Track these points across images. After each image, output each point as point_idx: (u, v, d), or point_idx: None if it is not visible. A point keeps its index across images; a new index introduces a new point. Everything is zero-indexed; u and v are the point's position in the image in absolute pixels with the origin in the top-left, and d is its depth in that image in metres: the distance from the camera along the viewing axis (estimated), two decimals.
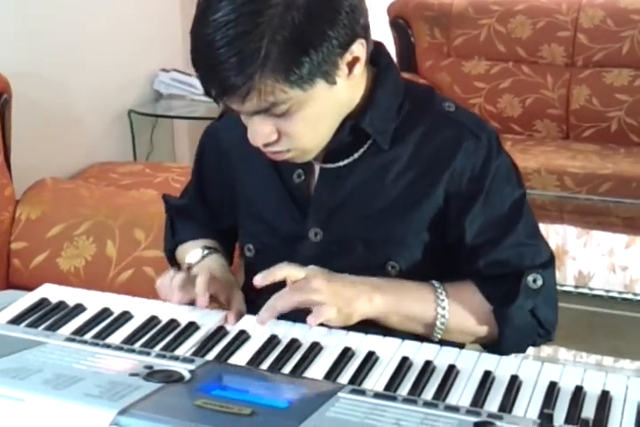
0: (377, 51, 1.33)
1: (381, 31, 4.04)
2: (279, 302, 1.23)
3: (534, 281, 1.32)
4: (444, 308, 1.31)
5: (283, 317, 1.26)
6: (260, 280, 1.24)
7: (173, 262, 1.55)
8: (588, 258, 3.64)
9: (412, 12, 4.08)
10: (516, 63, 3.95)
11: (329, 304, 1.22)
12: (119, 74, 3.38)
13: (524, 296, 1.31)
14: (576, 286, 3.39)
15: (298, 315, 1.24)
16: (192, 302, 1.31)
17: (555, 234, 3.80)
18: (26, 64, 2.85)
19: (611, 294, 3.36)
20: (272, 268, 1.26)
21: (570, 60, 3.90)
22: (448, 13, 4.03)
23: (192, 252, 1.47)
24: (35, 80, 2.90)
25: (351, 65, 1.23)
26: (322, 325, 1.25)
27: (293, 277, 1.25)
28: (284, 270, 1.25)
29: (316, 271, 1.27)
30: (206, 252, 1.46)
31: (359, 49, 1.22)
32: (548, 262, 1.35)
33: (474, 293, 1.34)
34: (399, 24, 4.09)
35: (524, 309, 1.32)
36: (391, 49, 4.07)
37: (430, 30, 4.06)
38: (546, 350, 3.08)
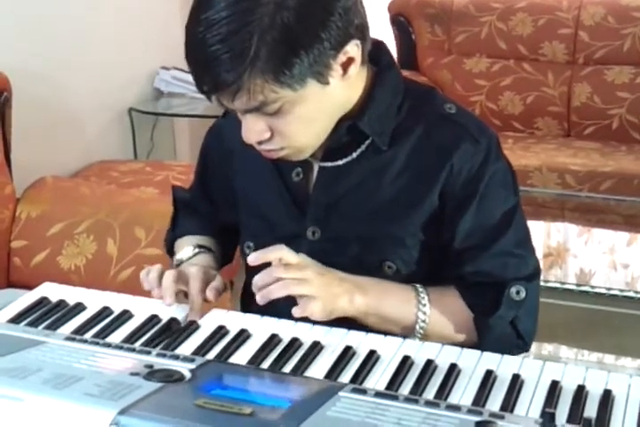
0: (377, 50, 1.32)
1: (382, 29, 4.03)
2: (276, 290, 1.22)
3: (517, 293, 1.31)
4: (424, 313, 1.30)
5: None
6: (254, 260, 1.24)
7: (172, 253, 1.55)
8: (589, 256, 3.63)
9: (412, 10, 4.07)
10: (517, 61, 3.94)
11: (317, 298, 1.22)
12: (120, 72, 3.38)
13: (507, 307, 1.31)
14: (577, 284, 3.38)
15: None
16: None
17: (556, 232, 3.80)
18: (26, 62, 2.85)
19: (612, 292, 3.35)
20: (268, 248, 1.26)
21: (571, 58, 3.89)
22: (449, 11, 4.02)
23: (184, 249, 1.48)
24: (35, 78, 2.89)
25: (346, 66, 1.22)
26: (324, 322, 1.25)
27: (285, 260, 1.25)
28: (280, 252, 1.25)
29: (309, 261, 1.27)
30: (197, 251, 1.47)
31: (354, 50, 1.21)
32: (533, 275, 1.34)
33: (456, 299, 1.33)
34: (400, 21, 4.09)
35: (504, 319, 1.31)
36: (392, 46, 4.06)
37: (431, 28, 4.06)
38: (547, 348, 3.08)
